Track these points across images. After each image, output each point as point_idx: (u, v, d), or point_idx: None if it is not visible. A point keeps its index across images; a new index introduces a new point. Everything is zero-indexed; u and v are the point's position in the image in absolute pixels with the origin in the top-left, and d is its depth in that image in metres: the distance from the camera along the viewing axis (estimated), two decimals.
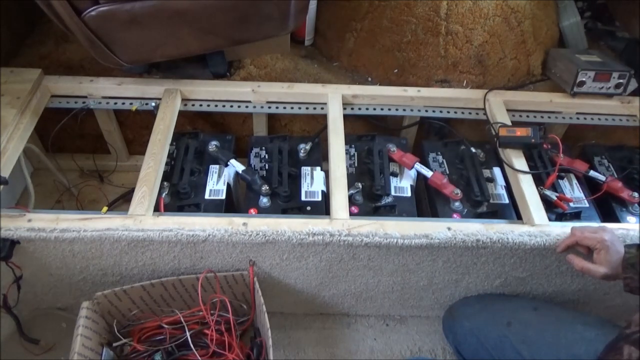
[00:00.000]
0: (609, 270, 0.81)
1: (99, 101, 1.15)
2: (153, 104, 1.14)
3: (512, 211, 1.02)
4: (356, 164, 1.11)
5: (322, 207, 1.01)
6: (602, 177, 1.06)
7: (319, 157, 1.12)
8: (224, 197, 1.02)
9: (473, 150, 1.13)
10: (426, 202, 1.12)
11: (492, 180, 1.08)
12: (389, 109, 1.20)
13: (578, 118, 1.21)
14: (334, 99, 1.15)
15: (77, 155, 1.31)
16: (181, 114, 1.15)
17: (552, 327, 0.88)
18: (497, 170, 1.10)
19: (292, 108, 1.18)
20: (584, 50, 1.33)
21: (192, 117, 1.29)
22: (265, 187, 1.00)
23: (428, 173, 1.05)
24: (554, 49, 1.30)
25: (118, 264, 0.93)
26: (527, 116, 1.20)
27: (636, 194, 1.03)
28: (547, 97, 1.21)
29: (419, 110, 1.20)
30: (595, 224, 0.95)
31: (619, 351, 0.63)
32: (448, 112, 1.20)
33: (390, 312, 1.13)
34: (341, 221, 0.90)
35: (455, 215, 1.01)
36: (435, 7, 1.16)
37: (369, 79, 1.29)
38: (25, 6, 1.24)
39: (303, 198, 1.02)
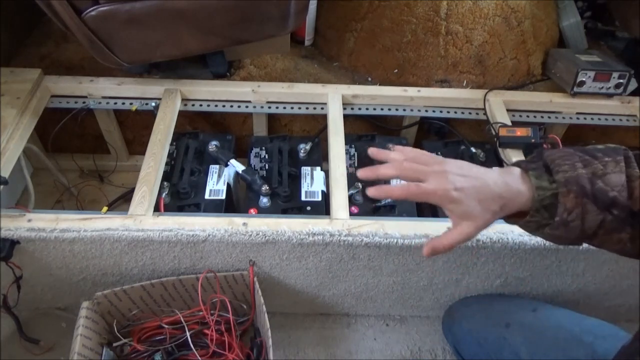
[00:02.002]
0: (476, 222, 0.55)
1: (99, 101, 1.15)
2: (153, 104, 1.14)
3: None
4: (356, 164, 1.11)
5: (322, 207, 1.01)
6: None
7: (319, 157, 1.12)
8: (224, 197, 1.02)
9: (473, 150, 1.13)
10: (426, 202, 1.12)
11: None
12: (389, 109, 1.20)
13: (578, 118, 1.21)
14: (334, 99, 1.15)
15: (77, 155, 1.31)
16: (181, 114, 1.15)
17: (550, 329, 0.87)
18: None
19: (292, 108, 1.18)
20: (584, 50, 1.33)
21: (192, 117, 1.28)
22: (265, 187, 1.00)
23: None
24: (554, 49, 1.30)
25: (118, 264, 0.93)
26: (527, 116, 1.20)
27: None
28: (547, 97, 1.20)
29: (419, 110, 1.20)
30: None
31: None
32: (448, 112, 1.20)
33: (390, 312, 1.13)
34: (341, 221, 0.90)
35: None
36: (435, 7, 1.16)
37: (369, 79, 1.29)
38: (25, 6, 1.24)
39: (303, 198, 1.02)
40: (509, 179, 0.56)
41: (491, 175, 0.56)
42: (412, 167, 0.59)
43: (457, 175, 0.56)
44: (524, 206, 0.56)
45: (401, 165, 0.60)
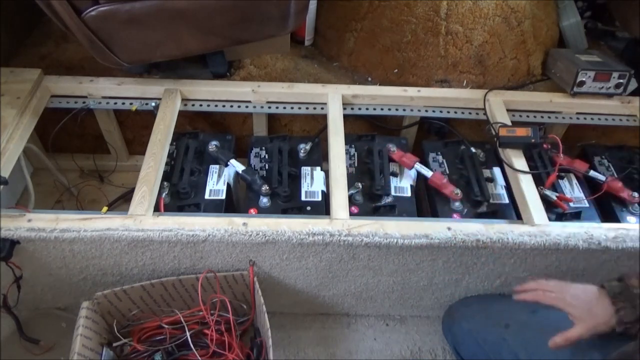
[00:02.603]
0: (590, 320, 0.75)
1: (99, 101, 1.15)
2: (153, 104, 1.14)
3: (512, 211, 1.02)
4: (356, 164, 1.11)
5: (322, 207, 1.01)
6: (602, 177, 1.06)
7: (319, 157, 1.12)
8: (224, 197, 1.02)
9: (473, 150, 1.13)
10: (426, 202, 1.12)
11: (492, 180, 1.08)
12: (389, 109, 1.20)
13: (578, 118, 1.21)
14: (334, 99, 1.15)
15: (77, 155, 1.31)
16: (181, 114, 1.15)
17: (549, 330, 0.87)
18: (497, 170, 1.10)
19: (292, 108, 1.18)
20: (584, 50, 1.33)
21: (192, 117, 1.28)
22: (265, 187, 1.00)
23: (428, 173, 1.05)
24: (554, 49, 1.30)
25: (118, 264, 0.93)
26: (527, 116, 1.20)
27: (636, 194, 1.03)
28: (547, 97, 1.21)
29: (419, 110, 1.20)
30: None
31: None
32: (448, 112, 1.20)
33: (390, 312, 1.13)
34: (341, 221, 0.90)
35: (455, 215, 1.01)
36: (435, 7, 1.16)
37: (369, 79, 1.29)
38: (25, 6, 1.24)
39: (303, 198, 1.02)
40: (596, 289, 0.78)
41: (590, 287, 0.78)
42: (546, 284, 0.83)
43: (575, 293, 0.79)
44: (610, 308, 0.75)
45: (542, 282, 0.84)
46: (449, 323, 1.02)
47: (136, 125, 1.30)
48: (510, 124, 1.11)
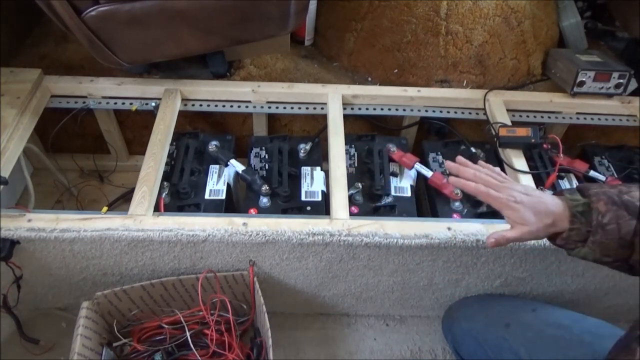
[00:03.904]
0: (530, 227, 0.68)
1: (99, 101, 1.15)
2: (153, 104, 1.14)
3: None
4: (356, 164, 1.11)
5: (322, 207, 1.01)
6: (602, 177, 1.06)
7: (319, 157, 1.12)
8: (224, 197, 1.02)
9: (473, 150, 1.13)
10: (426, 202, 1.12)
11: None
12: (389, 109, 1.20)
13: (578, 118, 1.21)
14: (334, 99, 1.15)
15: (77, 155, 1.31)
16: (181, 114, 1.15)
17: (550, 329, 0.87)
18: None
19: (292, 108, 1.18)
20: (584, 50, 1.33)
21: (192, 117, 1.29)
22: (265, 187, 1.00)
23: (428, 173, 1.05)
24: (554, 49, 1.30)
25: (118, 264, 0.93)
26: (527, 116, 1.20)
27: None
28: (547, 97, 1.21)
29: (419, 110, 1.20)
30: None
31: (632, 352, 0.62)
32: (448, 112, 1.20)
33: (390, 312, 1.13)
34: (341, 221, 0.90)
35: (455, 215, 1.01)
36: (435, 7, 1.16)
37: (369, 79, 1.29)
38: (25, 6, 1.24)
39: (303, 198, 1.02)
40: (558, 202, 0.69)
41: (549, 197, 0.70)
42: (487, 178, 0.75)
43: (521, 193, 0.71)
44: (565, 224, 0.68)
45: (480, 174, 0.76)
46: (449, 323, 1.02)
47: (136, 125, 1.30)
48: (510, 124, 1.11)
